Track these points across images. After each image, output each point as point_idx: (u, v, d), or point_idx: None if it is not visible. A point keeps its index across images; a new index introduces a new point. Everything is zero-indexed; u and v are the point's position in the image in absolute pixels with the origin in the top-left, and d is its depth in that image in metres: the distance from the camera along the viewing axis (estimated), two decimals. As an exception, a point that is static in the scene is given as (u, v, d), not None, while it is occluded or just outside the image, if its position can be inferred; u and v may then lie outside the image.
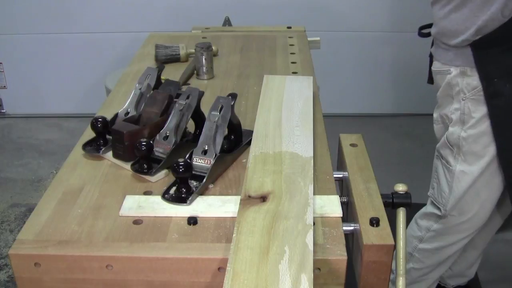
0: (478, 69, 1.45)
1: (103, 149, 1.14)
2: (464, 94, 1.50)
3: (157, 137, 1.11)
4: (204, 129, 1.08)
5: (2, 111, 3.38)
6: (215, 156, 1.05)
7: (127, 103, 1.21)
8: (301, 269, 0.78)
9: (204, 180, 1.03)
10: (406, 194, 1.04)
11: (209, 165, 1.04)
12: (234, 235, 0.85)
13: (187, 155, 1.06)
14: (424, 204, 1.76)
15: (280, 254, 0.81)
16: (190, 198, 0.99)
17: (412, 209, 1.11)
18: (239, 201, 0.94)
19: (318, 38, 1.86)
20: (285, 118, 1.20)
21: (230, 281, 0.76)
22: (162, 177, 1.08)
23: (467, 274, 1.98)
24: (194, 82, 1.53)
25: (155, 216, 0.96)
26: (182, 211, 0.97)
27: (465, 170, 1.57)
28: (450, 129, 1.57)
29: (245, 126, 1.20)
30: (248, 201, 0.93)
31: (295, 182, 0.98)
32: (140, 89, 1.21)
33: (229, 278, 0.77)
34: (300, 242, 0.83)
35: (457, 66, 1.50)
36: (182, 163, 0.98)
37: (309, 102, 1.26)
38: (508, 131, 1.48)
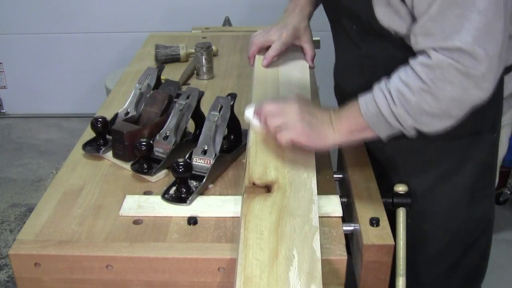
0: None
1: (103, 149, 1.14)
2: None
3: (157, 137, 1.11)
4: (203, 129, 1.08)
5: (2, 111, 3.37)
6: (214, 156, 1.05)
7: (127, 103, 1.21)
8: (311, 279, 0.77)
9: (204, 180, 1.03)
10: (406, 194, 1.04)
11: (209, 165, 1.04)
12: (241, 230, 0.83)
13: (187, 155, 1.06)
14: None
15: (289, 258, 0.79)
16: (190, 198, 0.99)
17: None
18: (239, 201, 0.94)
19: (318, 38, 1.85)
20: (283, 88, 1.16)
21: (242, 284, 0.75)
22: (162, 177, 1.08)
23: None
24: (194, 82, 1.53)
25: (155, 216, 0.96)
26: (182, 211, 0.97)
27: None
28: None
29: (245, 126, 1.19)
30: (252, 189, 0.92)
31: (298, 172, 0.96)
32: (140, 89, 1.21)
33: (241, 282, 0.75)
34: (308, 246, 0.82)
35: None
36: (182, 163, 0.98)
37: (305, 71, 1.23)
38: None
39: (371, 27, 0.96)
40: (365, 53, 1.05)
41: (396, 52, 0.96)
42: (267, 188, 0.93)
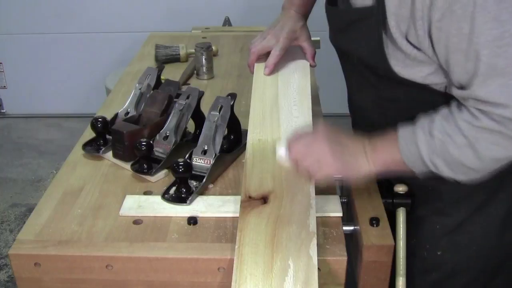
0: None
1: (103, 149, 1.14)
2: None
3: (157, 137, 1.11)
4: (203, 129, 1.08)
5: (2, 111, 3.38)
6: (214, 156, 1.05)
7: (127, 103, 1.21)
8: None
9: (204, 180, 1.03)
10: (406, 194, 1.04)
11: (209, 165, 1.04)
12: (236, 246, 0.83)
13: (187, 155, 1.06)
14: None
15: (284, 269, 0.79)
16: (190, 198, 0.99)
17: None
18: (239, 201, 0.93)
19: (318, 38, 1.85)
20: (282, 94, 1.15)
21: None
22: (162, 177, 1.08)
23: None
24: (194, 82, 1.53)
25: (155, 216, 0.96)
26: (182, 211, 0.97)
27: None
28: None
29: (244, 126, 1.19)
30: (248, 203, 0.91)
31: (295, 176, 0.95)
32: (140, 89, 1.21)
33: None
34: (304, 254, 0.81)
35: None
36: (182, 163, 0.98)
37: (306, 72, 1.22)
38: None
39: (389, 76, 0.94)
40: (386, 95, 1.02)
41: (420, 94, 0.93)
42: (264, 200, 0.91)
